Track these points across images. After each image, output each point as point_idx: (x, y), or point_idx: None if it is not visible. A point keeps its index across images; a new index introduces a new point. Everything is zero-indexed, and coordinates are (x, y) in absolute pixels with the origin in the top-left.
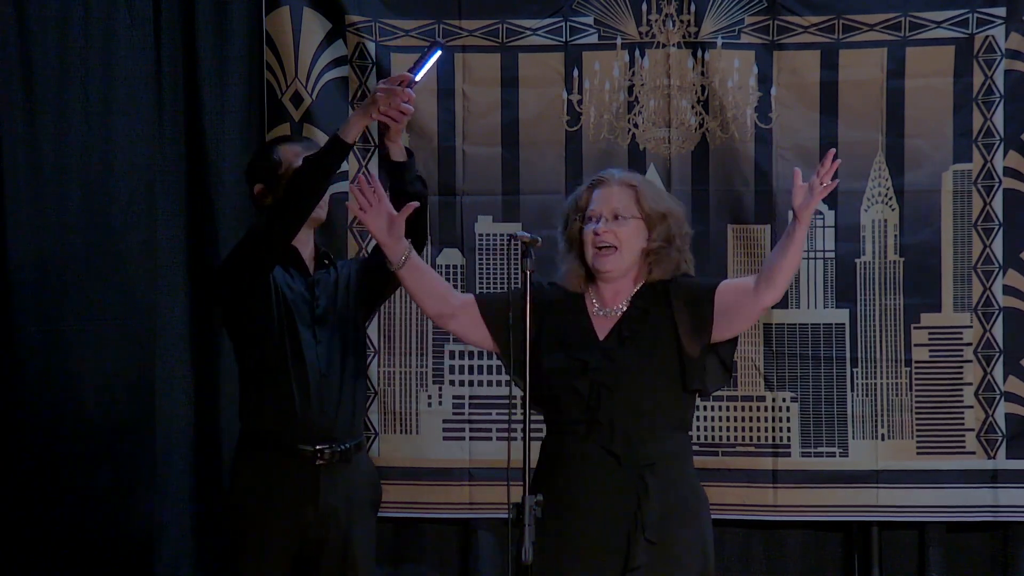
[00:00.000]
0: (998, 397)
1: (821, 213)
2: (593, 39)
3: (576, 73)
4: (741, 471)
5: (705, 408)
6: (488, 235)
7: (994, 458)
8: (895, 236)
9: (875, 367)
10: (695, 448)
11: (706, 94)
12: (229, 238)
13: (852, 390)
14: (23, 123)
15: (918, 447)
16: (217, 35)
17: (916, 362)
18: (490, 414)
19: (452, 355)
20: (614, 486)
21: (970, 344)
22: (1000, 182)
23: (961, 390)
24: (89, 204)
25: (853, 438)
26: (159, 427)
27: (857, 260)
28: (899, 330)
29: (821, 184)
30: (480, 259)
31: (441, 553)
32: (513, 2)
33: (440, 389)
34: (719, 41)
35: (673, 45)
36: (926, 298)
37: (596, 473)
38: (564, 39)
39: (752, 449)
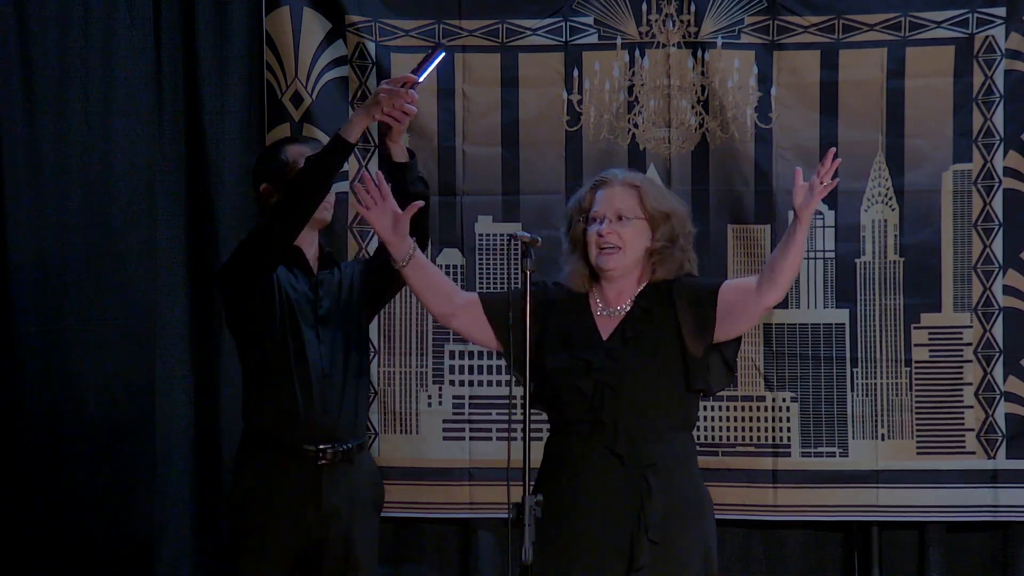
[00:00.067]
0: (998, 397)
1: (821, 213)
2: (593, 39)
3: (576, 73)
4: (741, 471)
5: (705, 408)
6: (488, 235)
7: (994, 458)
8: (895, 236)
9: (875, 367)
10: None
11: (706, 94)
12: (229, 238)
13: (852, 390)
14: (23, 123)
15: (918, 447)
16: (217, 35)
17: (916, 362)
18: (490, 414)
19: (452, 355)
20: (617, 486)
21: (970, 344)
22: (1000, 182)
23: (961, 390)
24: (89, 204)
25: (853, 438)
26: (159, 427)
27: (857, 260)
28: (899, 330)
29: (821, 183)
30: (480, 259)
31: (441, 553)
32: (513, 2)
33: (440, 389)
34: (719, 41)
35: (673, 45)
36: (926, 298)
37: (599, 473)
38: (564, 39)
39: (752, 449)
